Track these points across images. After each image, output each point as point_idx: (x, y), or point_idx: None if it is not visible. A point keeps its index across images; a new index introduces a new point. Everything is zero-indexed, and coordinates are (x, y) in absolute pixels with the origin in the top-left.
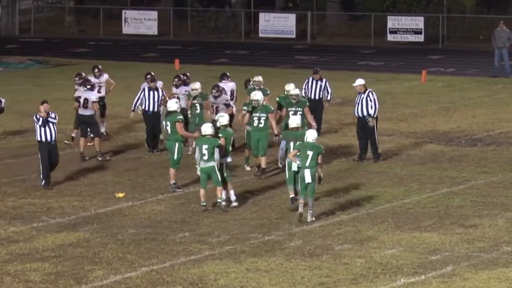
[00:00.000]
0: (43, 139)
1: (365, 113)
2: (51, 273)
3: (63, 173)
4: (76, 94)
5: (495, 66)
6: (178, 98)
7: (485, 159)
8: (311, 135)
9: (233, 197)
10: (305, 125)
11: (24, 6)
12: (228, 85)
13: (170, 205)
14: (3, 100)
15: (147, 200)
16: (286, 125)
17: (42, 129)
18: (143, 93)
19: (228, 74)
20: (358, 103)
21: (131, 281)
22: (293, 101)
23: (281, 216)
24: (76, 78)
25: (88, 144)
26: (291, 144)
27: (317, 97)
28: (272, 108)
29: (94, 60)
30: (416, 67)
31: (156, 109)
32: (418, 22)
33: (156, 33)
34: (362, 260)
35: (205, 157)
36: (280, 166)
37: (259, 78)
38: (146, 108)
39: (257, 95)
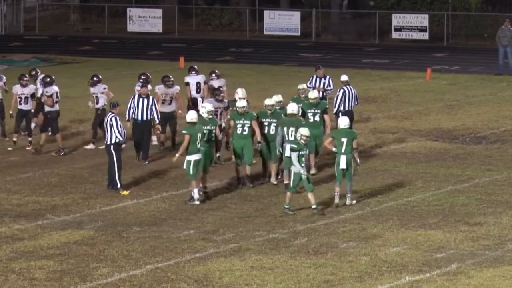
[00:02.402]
0: (117, 140)
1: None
2: (56, 270)
3: (67, 171)
4: (47, 93)
5: (500, 64)
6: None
7: (489, 157)
8: (343, 122)
9: (196, 196)
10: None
11: (29, 4)
12: (194, 78)
13: (175, 203)
14: None
15: (152, 197)
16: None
17: (118, 131)
18: (132, 100)
19: (196, 67)
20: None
21: (136, 278)
22: (277, 114)
23: (285, 214)
24: (41, 77)
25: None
26: (291, 130)
27: (321, 95)
28: (255, 115)
29: (99, 58)
30: (421, 65)
31: (146, 117)
32: (423, 20)
33: (160, 31)
34: (367, 258)
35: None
36: (278, 153)
37: (303, 86)
38: (135, 116)
39: (242, 102)
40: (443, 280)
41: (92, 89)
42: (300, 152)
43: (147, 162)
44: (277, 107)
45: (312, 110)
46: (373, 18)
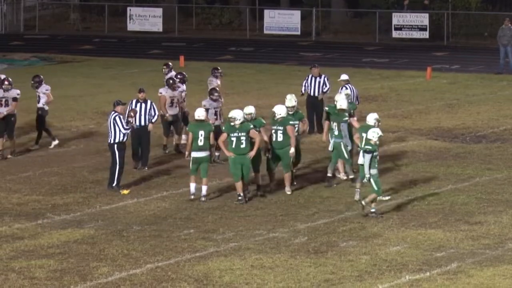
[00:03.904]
0: (121, 139)
1: None
2: (56, 269)
3: (67, 171)
4: (18, 95)
5: (500, 63)
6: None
7: (489, 156)
8: (370, 118)
9: (191, 190)
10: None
11: (29, 3)
12: (168, 75)
13: (175, 202)
14: None
15: (152, 197)
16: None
17: (123, 131)
18: (130, 105)
19: (170, 64)
20: None
21: (136, 278)
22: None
23: (286, 213)
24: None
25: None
26: (334, 124)
27: (316, 94)
28: (265, 122)
29: (99, 57)
30: (421, 64)
31: (144, 122)
32: (423, 19)
33: (161, 30)
34: (367, 257)
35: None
36: (330, 149)
37: (347, 92)
38: (133, 122)
39: (249, 108)
40: (443, 279)
41: (37, 90)
42: (374, 154)
43: (146, 168)
44: (290, 112)
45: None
46: (372, 18)
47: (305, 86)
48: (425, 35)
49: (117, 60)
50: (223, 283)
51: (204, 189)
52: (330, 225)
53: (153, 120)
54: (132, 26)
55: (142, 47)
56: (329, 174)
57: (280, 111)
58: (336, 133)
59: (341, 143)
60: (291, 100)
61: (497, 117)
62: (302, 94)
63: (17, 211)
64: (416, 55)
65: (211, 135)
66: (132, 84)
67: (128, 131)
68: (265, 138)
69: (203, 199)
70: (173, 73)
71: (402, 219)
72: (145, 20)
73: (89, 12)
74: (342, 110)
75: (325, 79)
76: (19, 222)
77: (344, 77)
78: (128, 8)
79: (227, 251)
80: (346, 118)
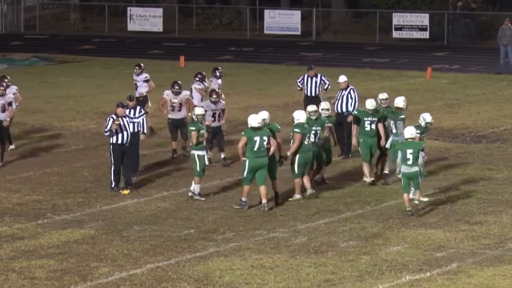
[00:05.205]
0: (116, 141)
1: (344, 109)
2: (56, 269)
3: (68, 171)
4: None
5: (500, 63)
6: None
7: (490, 156)
8: (427, 117)
9: (194, 191)
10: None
11: (29, 3)
12: (141, 77)
13: (175, 202)
14: None
15: (152, 197)
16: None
17: (107, 132)
18: None
19: (142, 65)
20: (339, 99)
21: (136, 278)
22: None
23: (286, 213)
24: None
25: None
26: (391, 123)
27: (313, 94)
28: (280, 128)
29: (99, 57)
30: (421, 64)
31: (133, 129)
32: (423, 19)
33: (161, 30)
34: (367, 257)
35: (409, 162)
36: (388, 146)
37: (384, 96)
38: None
39: (262, 114)
40: (444, 279)
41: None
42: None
43: (137, 175)
44: (312, 117)
45: (370, 119)
46: (372, 18)
47: (300, 83)
48: (425, 35)
49: (117, 60)
50: (223, 283)
51: (193, 187)
52: (330, 225)
53: (144, 132)
54: (132, 26)
55: (142, 47)
56: (385, 172)
57: (298, 116)
58: (394, 131)
59: (399, 141)
60: (326, 103)
61: (497, 117)
62: (301, 89)
63: (17, 211)
64: (416, 55)
65: (192, 134)
66: (131, 84)
67: (107, 134)
68: (274, 144)
69: (189, 193)
70: (144, 74)
71: (402, 219)
72: (145, 20)
73: (89, 12)
74: (399, 108)
75: (322, 77)
76: (19, 222)
77: (345, 78)
78: (128, 8)
79: (227, 251)
80: (403, 116)
